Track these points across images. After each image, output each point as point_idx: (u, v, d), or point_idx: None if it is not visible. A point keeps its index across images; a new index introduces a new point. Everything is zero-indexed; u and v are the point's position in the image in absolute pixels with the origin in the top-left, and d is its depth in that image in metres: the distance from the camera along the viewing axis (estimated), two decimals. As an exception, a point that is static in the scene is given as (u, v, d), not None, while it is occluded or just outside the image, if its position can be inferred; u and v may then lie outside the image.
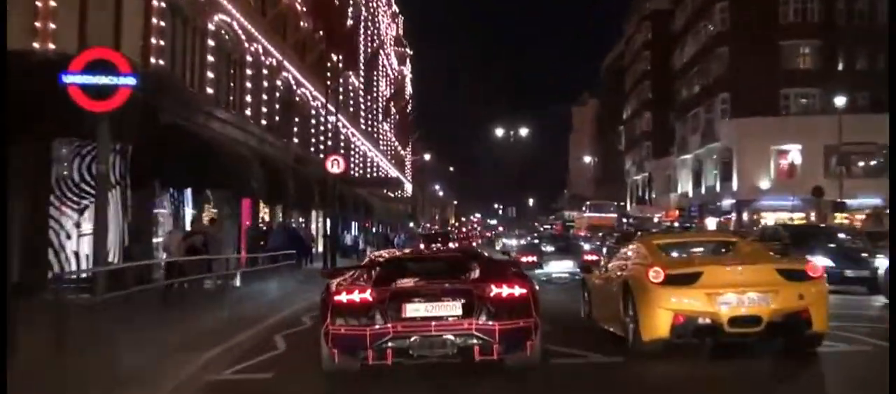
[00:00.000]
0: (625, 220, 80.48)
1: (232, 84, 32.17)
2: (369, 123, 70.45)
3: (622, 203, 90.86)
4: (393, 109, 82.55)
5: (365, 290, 9.11)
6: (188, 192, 25.81)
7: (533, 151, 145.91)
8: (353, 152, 61.00)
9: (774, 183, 58.74)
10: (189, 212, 26.30)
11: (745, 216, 59.28)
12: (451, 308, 8.98)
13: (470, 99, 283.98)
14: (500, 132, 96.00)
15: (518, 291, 9.12)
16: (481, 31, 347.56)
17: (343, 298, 9.07)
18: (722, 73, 62.34)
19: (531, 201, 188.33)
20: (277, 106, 38.35)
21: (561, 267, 24.60)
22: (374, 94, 73.74)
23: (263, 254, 28.34)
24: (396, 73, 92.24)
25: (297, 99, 42.46)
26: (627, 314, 11.03)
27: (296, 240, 31.53)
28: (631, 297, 10.89)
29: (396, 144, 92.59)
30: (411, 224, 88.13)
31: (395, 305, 8.97)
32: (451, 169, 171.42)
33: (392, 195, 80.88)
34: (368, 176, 65.44)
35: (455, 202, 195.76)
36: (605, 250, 41.72)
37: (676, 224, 67.43)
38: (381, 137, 78.62)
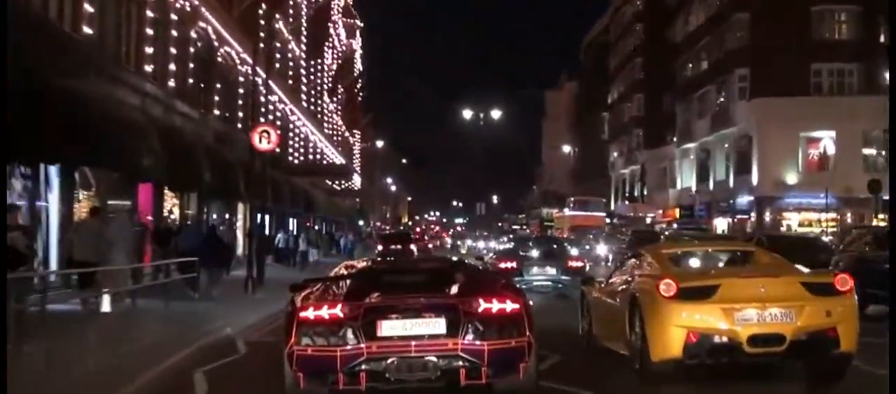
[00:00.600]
0: (611, 220, 75.52)
1: (125, 30, 26.33)
2: (313, 101, 65.17)
3: (605, 200, 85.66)
4: (340, 88, 76.77)
5: (335, 305, 8.92)
6: (52, 170, 20.28)
7: (499, 143, 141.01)
8: (292, 134, 55.40)
9: (803, 176, 54.24)
10: (55, 199, 20.90)
11: (767, 216, 54.27)
12: (434, 326, 8.80)
13: (427, 82, 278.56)
14: (462, 120, 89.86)
15: (510, 306, 8.97)
16: (442, 4, 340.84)
17: (310, 313, 8.87)
18: (740, 45, 57.23)
19: (495, 199, 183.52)
20: (191, 66, 32.45)
21: (543, 274, 24.61)
22: (319, 68, 68.16)
23: (167, 260, 23.07)
24: (345, 48, 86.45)
25: (220, 59, 36.62)
26: (634, 332, 10.96)
27: (214, 242, 25.68)
28: (638, 312, 10.79)
29: (343, 128, 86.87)
30: (361, 223, 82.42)
31: (370, 322, 8.78)
32: (404, 161, 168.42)
33: (338, 187, 75.28)
34: (310, 162, 59.33)
35: (409, 199, 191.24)
36: (611, 257, 36.42)
37: (676, 226, 62.55)
38: (325, 118, 73.11)
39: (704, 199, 62.31)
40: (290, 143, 55.11)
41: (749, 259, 12.41)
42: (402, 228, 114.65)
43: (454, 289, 9.56)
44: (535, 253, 27.13)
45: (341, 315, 8.80)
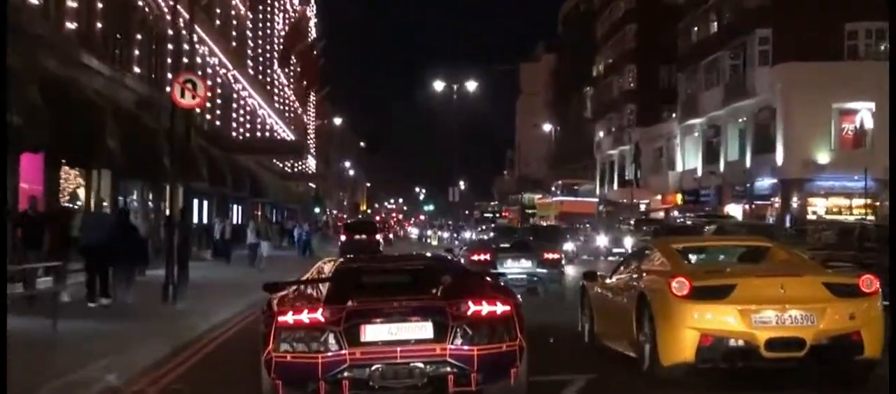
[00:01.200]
0: (601, 207, 70.49)
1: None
2: (261, 70, 59.34)
3: (591, 185, 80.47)
4: (293, 59, 70.90)
5: (316, 308, 8.87)
6: None
7: (467, 123, 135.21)
8: (236, 106, 49.81)
9: (836, 155, 49.47)
10: None
11: (794, 202, 49.23)
12: (421, 330, 8.80)
13: (386, 56, 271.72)
14: (426, 98, 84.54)
15: (500, 308, 9.00)
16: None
17: (289, 318, 8.82)
18: (760, 2, 52.16)
19: (463, 185, 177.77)
20: (100, 6, 26.76)
21: (517, 267, 24.45)
22: (268, 33, 62.48)
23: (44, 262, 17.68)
24: (297, 13, 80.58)
25: (142, 3, 30.92)
26: (642, 333, 10.89)
27: (125, 232, 20.33)
28: (648, 312, 10.73)
29: (296, 104, 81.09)
30: (317, 210, 76.77)
31: (353, 326, 8.74)
32: (362, 144, 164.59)
33: (290, 170, 69.79)
34: (257, 139, 53.86)
35: (368, 184, 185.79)
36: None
37: (677, 213, 57.46)
38: (276, 91, 67.24)
39: (711, 183, 57.12)
40: (234, 115, 49.52)
41: (765, 256, 12.29)
42: (362, 216, 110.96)
43: (440, 290, 9.56)
44: (508, 245, 26.98)
45: (322, 319, 8.75)
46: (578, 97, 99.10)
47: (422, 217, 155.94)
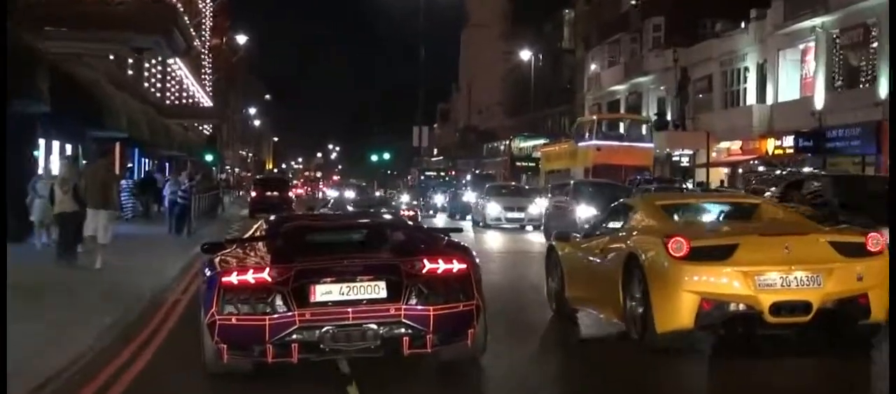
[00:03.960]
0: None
1: None
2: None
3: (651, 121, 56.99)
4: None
5: (262, 268, 8.52)
6: None
7: (400, 67, 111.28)
8: None
9: None
10: None
11: None
12: (374, 290, 8.53)
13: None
14: (343, 31, 62.58)
15: (456, 266, 8.73)
16: None
17: (233, 277, 8.45)
18: None
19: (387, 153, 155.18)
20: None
21: None
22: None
23: None
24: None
25: None
26: (632, 298, 10.38)
27: None
28: (638, 275, 10.19)
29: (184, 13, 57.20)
30: (209, 158, 52.68)
31: (302, 287, 8.42)
32: (268, 97, 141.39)
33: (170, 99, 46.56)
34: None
35: (275, 139, 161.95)
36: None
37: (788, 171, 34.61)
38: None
39: (857, 119, 34.81)
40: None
41: (754, 214, 11.70)
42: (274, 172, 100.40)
43: (392, 248, 9.40)
44: None
45: (269, 279, 8.42)
46: (552, 24, 76.54)
47: (335, 178, 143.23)
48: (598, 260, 11.41)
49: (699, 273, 9.54)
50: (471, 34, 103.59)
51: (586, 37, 68.62)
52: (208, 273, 8.90)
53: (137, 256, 19.27)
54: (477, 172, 66.97)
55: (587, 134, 43.28)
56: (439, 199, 53.01)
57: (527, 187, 40.74)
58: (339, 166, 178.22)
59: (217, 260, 9.05)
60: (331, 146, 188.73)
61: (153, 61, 45.46)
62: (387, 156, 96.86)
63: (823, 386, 9.38)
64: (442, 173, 75.39)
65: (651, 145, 42.73)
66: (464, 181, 50.61)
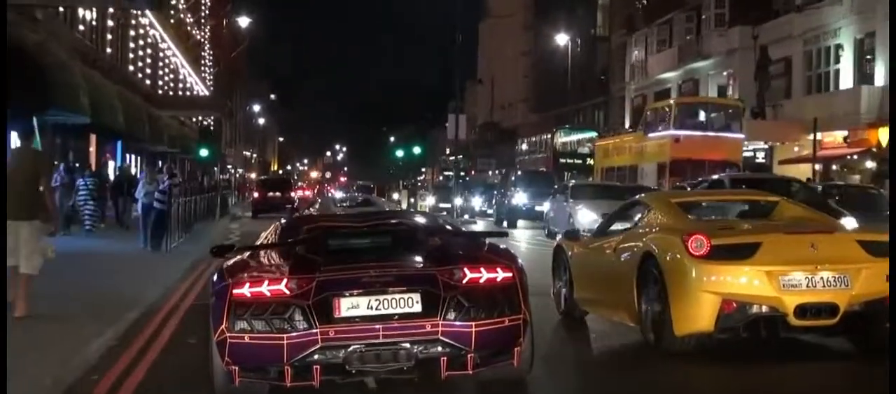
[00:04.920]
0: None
1: None
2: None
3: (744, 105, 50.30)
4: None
5: (279, 278, 7.47)
6: None
7: (405, 66, 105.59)
8: None
9: None
10: None
11: None
12: (407, 303, 7.45)
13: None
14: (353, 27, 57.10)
15: (501, 275, 7.68)
16: None
17: (245, 290, 7.38)
18: None
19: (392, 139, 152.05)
20: None
21: None
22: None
23: None
24: None
25: None
26: (648, 299, 9.94)
27: None
28: (655, 275, 9.75)
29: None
30: (203, 153, 45.36)
31: (325, 300, 7.35)
32: (273, 97, 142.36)
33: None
34: None
35: (280, 139, 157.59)
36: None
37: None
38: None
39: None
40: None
41: (773, 212, 11.26)
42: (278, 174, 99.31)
43: (427, 254, 8.17)
44: None
45: (287, 292, 7.42)
46: (584, 10, 70.69)
47: (342, 179, 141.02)
48: (611, 260, 11.03)
49: (720, 273, 9.26)
50: (491, 26, 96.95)
51: (628, 19, 62.75)
52: (217, 283, 7.79)
53: (87, 290, 13.39)
54: (519, 172, 60.63)
55: (662, 123, 36.25)
56: (477, 201, 49.00)
57: (618, 184, 33.59)
58: (346, 167, 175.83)
59: (227, 268, 7.91)
60: (338, 146, 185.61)
61: (141, 43, 38.90)
62: (417, 150, 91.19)
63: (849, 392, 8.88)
64: (462, 171, 69.66)
65: (741, 136, 35.98)
66: (512, 180, 44.18)
